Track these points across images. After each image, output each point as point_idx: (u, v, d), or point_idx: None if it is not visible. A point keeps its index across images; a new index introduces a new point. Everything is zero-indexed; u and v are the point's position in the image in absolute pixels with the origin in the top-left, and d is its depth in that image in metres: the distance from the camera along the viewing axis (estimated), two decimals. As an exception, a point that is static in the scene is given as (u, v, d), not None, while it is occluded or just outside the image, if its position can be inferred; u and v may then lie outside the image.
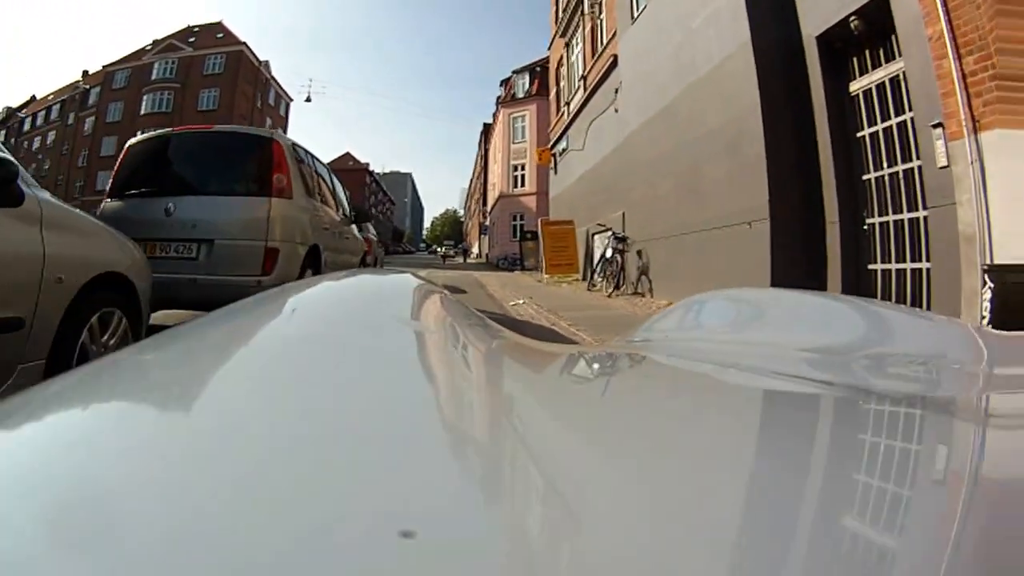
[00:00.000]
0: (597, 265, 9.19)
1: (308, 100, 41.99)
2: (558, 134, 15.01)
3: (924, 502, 0.22)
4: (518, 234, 25.90)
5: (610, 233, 8.75)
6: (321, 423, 0.21)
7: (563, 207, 12.95)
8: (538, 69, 27.01)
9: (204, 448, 0.18)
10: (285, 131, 38.47)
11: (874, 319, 0.61)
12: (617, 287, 8.01)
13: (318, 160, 4.20)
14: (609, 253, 8.41)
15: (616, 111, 9.10)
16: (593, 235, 10.50)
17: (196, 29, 33.79)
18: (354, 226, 4.95)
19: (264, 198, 3.11)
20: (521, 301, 6.88)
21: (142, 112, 31.36)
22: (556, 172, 15.37)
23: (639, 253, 7.66)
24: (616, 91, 9.09)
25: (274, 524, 0.14)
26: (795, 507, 0.20)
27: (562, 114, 14.76)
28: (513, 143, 28.65)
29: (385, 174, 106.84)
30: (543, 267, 11.75)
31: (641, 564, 0.15)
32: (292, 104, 42.36)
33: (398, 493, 0.17)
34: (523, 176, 27.81)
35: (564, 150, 14.46)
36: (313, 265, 3.52)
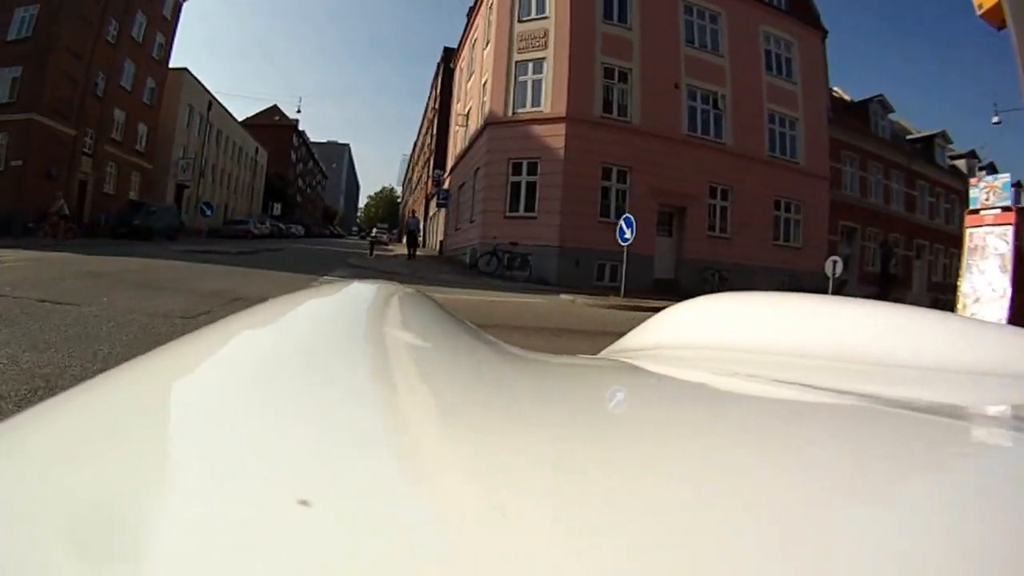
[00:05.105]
0: None
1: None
2: None
3: (947, 525, 0.21)
4: (522, 200, 12.98)
5: None
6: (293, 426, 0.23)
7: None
8: None
9: (189, 453, 0.21)
10: (171, 42, 25.01)
11: (907, 325, 0.59)
12: None
13: None
14: None
15: None
16: None
17: None
18: None
19: None
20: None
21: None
22: None
23: None
24: None
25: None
26: (812, 528, 0.19)
27: None
28: (520, 21, 13.89)
29: (320, 143, 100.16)
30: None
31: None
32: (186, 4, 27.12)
33: (303, 470, 0.19)
34: (539, 83, 13.27)
35: None
36: None
